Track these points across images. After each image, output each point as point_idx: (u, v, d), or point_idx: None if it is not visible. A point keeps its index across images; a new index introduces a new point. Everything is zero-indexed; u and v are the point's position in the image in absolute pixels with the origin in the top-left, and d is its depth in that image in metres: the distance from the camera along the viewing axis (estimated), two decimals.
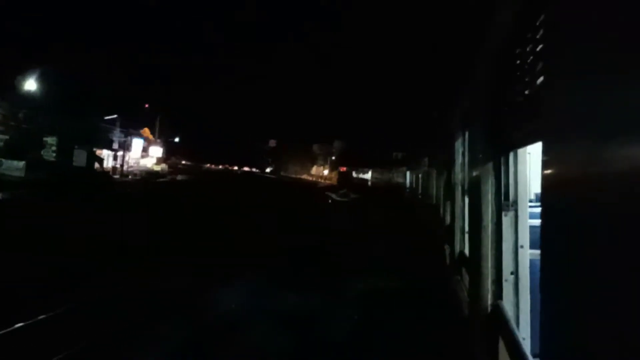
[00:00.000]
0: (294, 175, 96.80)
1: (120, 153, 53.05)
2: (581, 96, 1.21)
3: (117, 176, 47.36)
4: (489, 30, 2.94)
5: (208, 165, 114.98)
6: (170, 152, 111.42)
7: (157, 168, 64.27)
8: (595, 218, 1.09)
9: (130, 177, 50.06)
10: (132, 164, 60.25)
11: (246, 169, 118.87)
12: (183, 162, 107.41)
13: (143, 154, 64.60)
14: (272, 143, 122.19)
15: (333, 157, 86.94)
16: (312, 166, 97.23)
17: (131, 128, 57.67)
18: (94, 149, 40.94)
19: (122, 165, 52.96)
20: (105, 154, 49.76)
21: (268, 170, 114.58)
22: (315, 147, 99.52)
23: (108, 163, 49.54)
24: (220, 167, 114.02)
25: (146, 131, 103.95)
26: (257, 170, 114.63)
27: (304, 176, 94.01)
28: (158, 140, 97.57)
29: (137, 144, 60.31)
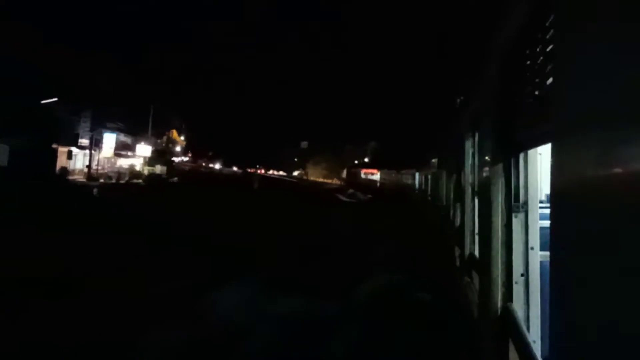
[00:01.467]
0: (321, 180, 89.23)
1: (88, 152, 42.99)
2: (591, 97, 1.20)
3: (79, 179, 37.39)
4: (498, 31, 2.93)
5: (235, 168, 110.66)
6: (197, 156, 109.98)
7: (147, 170, 54.38)
8: (606, 220, 1.08)
9: (102, 180, 40.37)
10: (120, 165, 51.46)
11: (272, 172, 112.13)
12: (210, 165, 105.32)
13: (129, 153, 55.39)
14: (304, 144, 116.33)
15: (366, 159, 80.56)
16: (343, 169, 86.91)
17: (108, 121, 47.57)
18: (54, 145, 32.54)
19: (88, 167, 41.89)
20: (78, 153, 41.54)
21: (295, 173, 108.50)
22: (347, 148, 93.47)
23: (73, 163, 40.84)
24: (248, 170, 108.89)
25: (174, 133, 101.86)
26: (284, 174, 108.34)
27: (334, 180, 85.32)
28: (184, 142, 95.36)
29: (109, 139, 48.97)
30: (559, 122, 1.48)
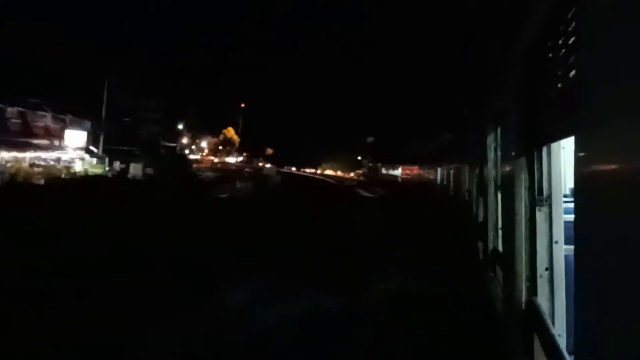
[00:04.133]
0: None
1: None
2: (616, 87, 1.20)
3: None
4: (520, 26, 2.91)
5: (293, 168, 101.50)
6: (254, 155, 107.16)
7: (97, 170, 37.25)
8: (631, 213, 1.08)
9: None
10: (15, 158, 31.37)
11: (329, 172, 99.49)
12: (267, 165, 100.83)
13: (55, 142, 37.28)
14: (370, 140, 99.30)
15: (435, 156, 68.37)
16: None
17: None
18: None
19: None
20: None
21: (352, 174, 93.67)
22: (413, 144, 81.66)
23: None
24: (285, 169, 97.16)
25: (230, 130, 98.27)
26: (341, 174, 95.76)
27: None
28: (239, 139, 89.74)
29: None
30: (583, 113, 1.47)
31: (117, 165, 39.21)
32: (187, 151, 73.63)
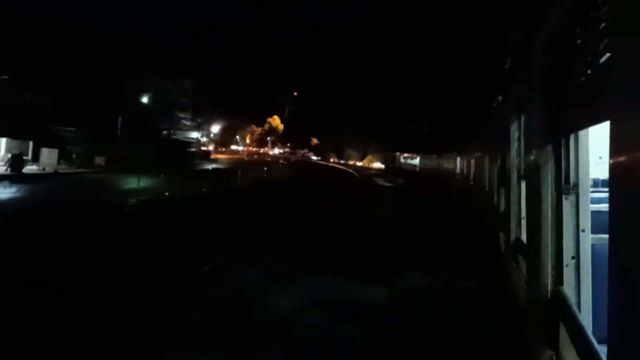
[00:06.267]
0: None
1: None
2: None
3: None
4: (546, 13, 2.86)
5: (338, 161, 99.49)
6: (298, 146, 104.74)
7: None
8: None
9: None
10: None
11: (377, 164, 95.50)
12: (313, 157, 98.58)
13: None
14: (424, 129, 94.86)
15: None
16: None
17: None
18: None
19: None
20: None
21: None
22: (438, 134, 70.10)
23: None
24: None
25: (276, 119, 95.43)
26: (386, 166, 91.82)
27: None
28: (282, 127, 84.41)
29: None
30: (619, 98, 1.43)
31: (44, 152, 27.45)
32: (202, 140, 71.56)
